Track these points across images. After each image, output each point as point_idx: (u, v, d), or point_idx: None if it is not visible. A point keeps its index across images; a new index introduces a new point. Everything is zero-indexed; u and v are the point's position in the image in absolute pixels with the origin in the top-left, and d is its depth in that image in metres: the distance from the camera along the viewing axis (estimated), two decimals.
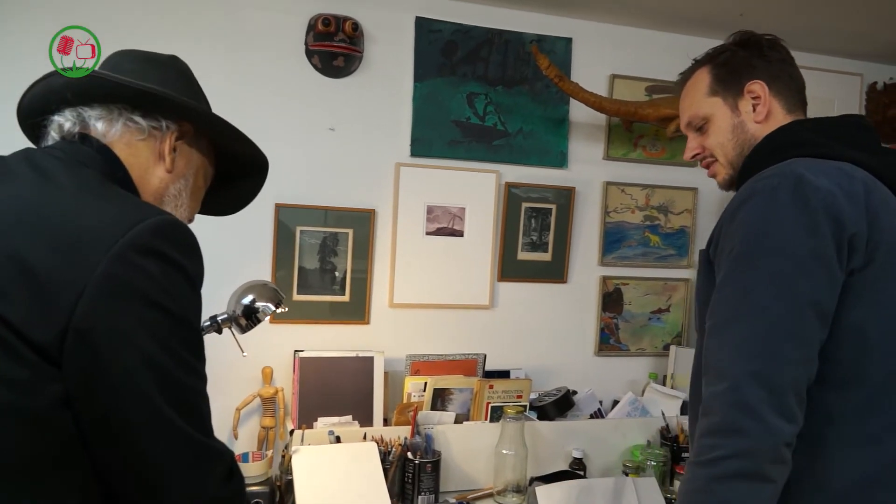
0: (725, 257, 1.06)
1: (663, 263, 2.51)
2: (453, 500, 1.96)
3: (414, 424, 1.99)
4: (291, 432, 1.82)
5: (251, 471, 1.76)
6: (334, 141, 2.14)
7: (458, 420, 2.09)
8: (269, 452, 1.86)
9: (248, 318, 1.57)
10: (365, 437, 1.95)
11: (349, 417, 2.01)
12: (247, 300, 1.57)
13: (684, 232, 2.53)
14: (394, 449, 1.93)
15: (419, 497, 1.92)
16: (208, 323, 1.56)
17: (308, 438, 1.88)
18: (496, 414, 2.11)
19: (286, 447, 1.80)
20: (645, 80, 2.42)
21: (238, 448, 2.00)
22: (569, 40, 2.34)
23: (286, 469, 1.77)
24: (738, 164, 1.23)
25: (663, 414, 2.24)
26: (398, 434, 1.98)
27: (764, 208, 1.02)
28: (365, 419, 2.03)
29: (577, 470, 2.08)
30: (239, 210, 1.19)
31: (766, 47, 1.23)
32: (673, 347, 2.47)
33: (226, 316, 1.57)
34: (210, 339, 1.62)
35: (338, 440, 1.92)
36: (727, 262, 1.05)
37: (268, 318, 1.61)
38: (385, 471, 1.87)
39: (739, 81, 1.22)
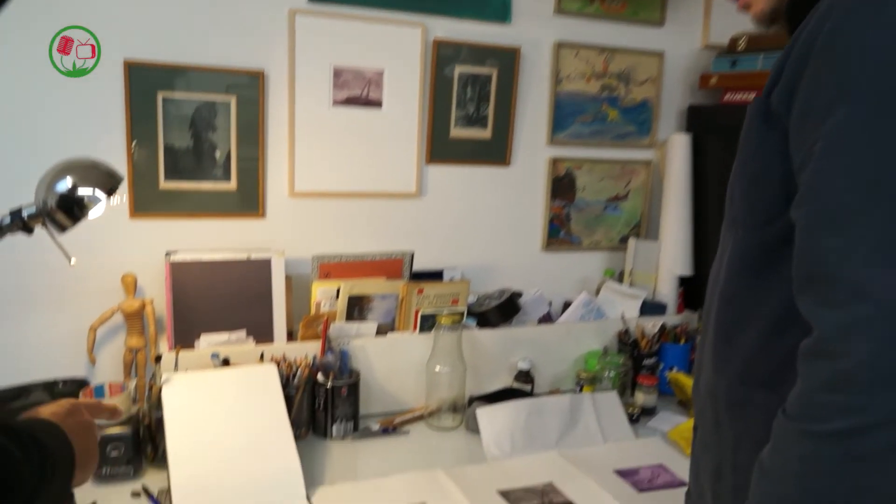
0: (825, 106, 0.66)
1: (622, 143, 2.13)
2: (377, 426, 1.62)
3: (325, 339, 1.60)
4: (157, 358, 1.41)
5: None
6: None
7: (380, 331, 1.72)
8: (132, 383, 1.45)
9: (66, 212, 1.10)
10: (262, 358, 1.56)
11: (242, 333, 1.61)
12: (63, 186, 1.10)
13: (647, 105, 2.14)
14: (300, 371, 1.54)
15: (333, 426, 1.56)
16: (9, 220, 1.09)
17: (185, 363, 1.47)
18: (428, 323, 1.74)
19: (153, 376, 1.39)
20: None
21: (97, 376, 1.58)
22: None
23: (155, 403, 1.37)
24: None
25: (623, 316, 1.92)
26: (306, 352, 1.60)
27: None
28: (263, 335, 1.63)
29: (524, 384, 1.76)
30: None
31: None
32: (632, 240, 2.13)
33: (34, 210, 1.10)
34: (37, 240, 1.16)
35: (226, 363, 1.52)
36: (837, 112, 0.64)
37: (98, 209, 1.14)
38: (289, 398, 1.49)
39: None
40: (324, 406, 1.56)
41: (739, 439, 0.79)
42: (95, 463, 0.80)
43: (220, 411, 1.37)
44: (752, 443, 0.74)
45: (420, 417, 1.68)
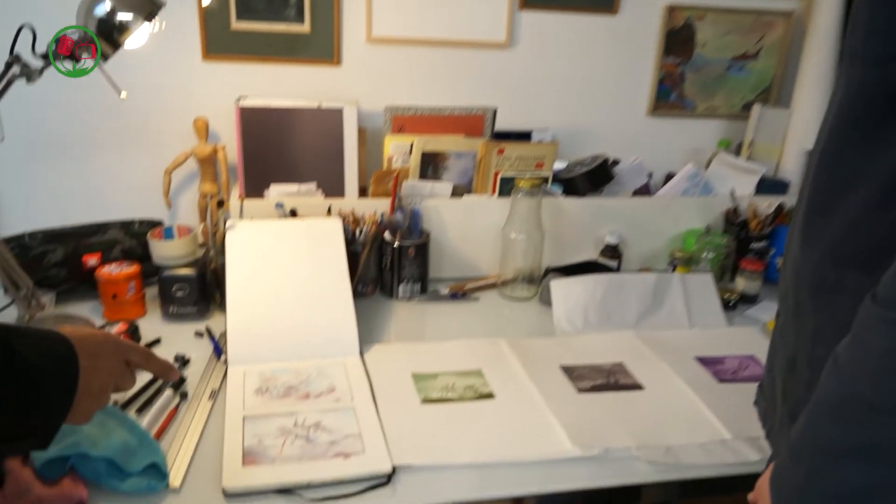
0: None
1: None
2: (445, 290, 1.56)
3: (394, 197, 1.52)
4: (220, 203, 1.39)
5: (171, 250, 1.36)
6: None
7: (455, 193, 1.61)
8: (200, 227, 1.45)
9: (106, 38, 1.04)
10: (329, 212, 1.51)
11: (312, 186, 1.56)
12: (101, 10, 1.04)
13: None
14: (366, 227, 1.49)
15: (400, 286, 1.52)
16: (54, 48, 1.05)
17: (252, 211, 1.45)
18: (508, 187, 1.62)
19: (217, 222, 1.38)
20: None
21: (174, 220, 1.61)
22: None
23: (220, 248, 1.37)
24: None
25: (732, 192, 1.70)
26: (375, 209, 1.53)
27: None
28: (335, 189, 1.58)
29: (610, 259, 1.62)
30: None
31: None
32: (757, 107, 1.85)
33: (77, 36, 1.05)
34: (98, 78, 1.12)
35: (293, 214, 1.48)
36: None
37: (138, 36, 1.08)
38: (355, 255, 1.45)
39: None
40: (390, 265, 1.51)
41: (821, 329, 0.63)
42: (94, 409, 0.66)
43: (281, 261, 1.35)
44: (835, 334, 0.58)
45: (492, 286, 1.60)
